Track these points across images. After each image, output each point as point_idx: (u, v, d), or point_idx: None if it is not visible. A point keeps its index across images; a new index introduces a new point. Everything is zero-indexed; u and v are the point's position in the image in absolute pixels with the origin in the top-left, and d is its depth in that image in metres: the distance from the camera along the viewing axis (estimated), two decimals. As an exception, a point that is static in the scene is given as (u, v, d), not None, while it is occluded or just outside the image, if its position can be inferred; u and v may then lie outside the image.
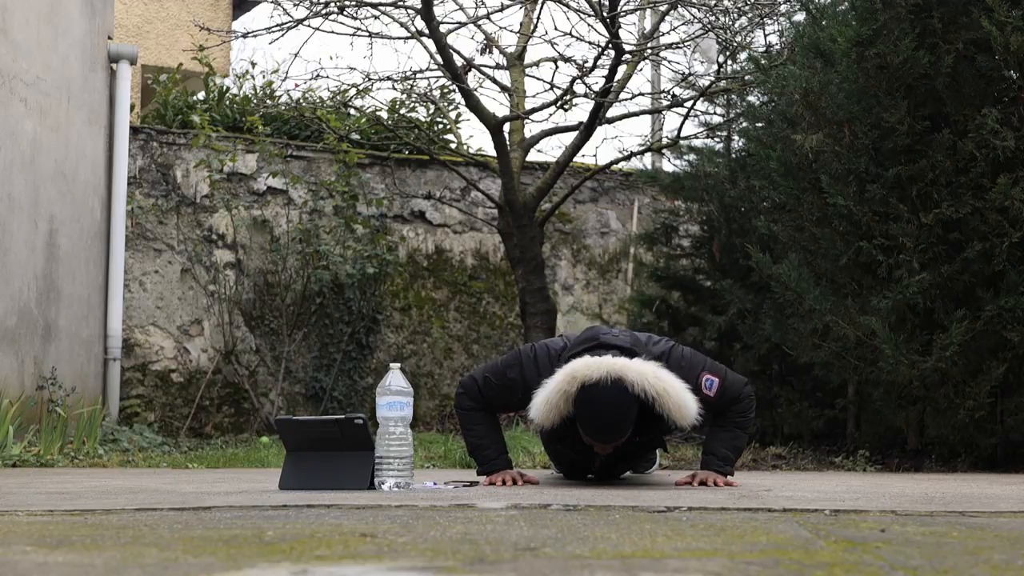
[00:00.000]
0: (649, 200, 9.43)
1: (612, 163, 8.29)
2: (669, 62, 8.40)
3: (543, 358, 3.67)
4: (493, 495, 3.13)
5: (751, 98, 7.77)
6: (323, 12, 7.13)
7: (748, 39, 7.68)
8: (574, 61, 7.30)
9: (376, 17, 7.36)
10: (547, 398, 3.42)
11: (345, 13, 7.23)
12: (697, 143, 8.15)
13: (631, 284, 9.33)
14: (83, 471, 5.26)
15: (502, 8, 7.51)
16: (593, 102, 7.15)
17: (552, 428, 3.55)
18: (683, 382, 3.44)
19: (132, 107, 8.06)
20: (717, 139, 8.17)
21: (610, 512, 2.49)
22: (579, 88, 7.20)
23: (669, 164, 8.96)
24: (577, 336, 3.76)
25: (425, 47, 7.35)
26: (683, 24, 7.72)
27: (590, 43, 7.16)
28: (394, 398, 3.40)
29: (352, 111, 8.51)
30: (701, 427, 3.80)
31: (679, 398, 3.39)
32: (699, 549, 1.79)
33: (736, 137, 8.05)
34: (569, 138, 7.74)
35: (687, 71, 7.73)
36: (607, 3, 6.62)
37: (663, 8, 7.36)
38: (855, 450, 6.38)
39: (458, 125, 8.70)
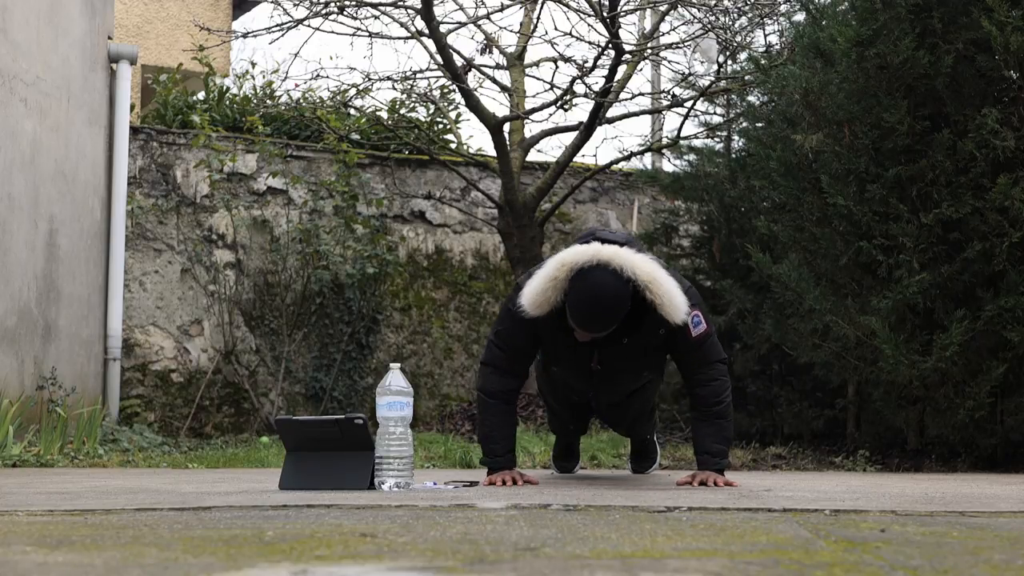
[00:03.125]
0: (649, 200, 9.43)
1: (612, 163, 8.30)
2: (669, 62, 8.41)
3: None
4: (493, 495, 3.13)
5: (751, 98, 7.78)
6: (323, 12, 7.14)
7: (748, 39, 7.69)
8: (574, 61, 7.30)
9: (376, 17, 7.37)
10: (537, 285, 3.43)
11: (345, 13, 7.24)
12: (697, 143, 8.15)
13: (631, 284, 9.31)
14: (83, 471, 5.26)
15: (502, 8, 7.52)
16: (593, 102, 7.15)
17: (546, 342, 3.54)
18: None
19: (132, 107, 8.06)
20: (717, 139, 8.18)
21: (610, 512, 2.49)
22: (579, 88, 7.21)
23: (669, 164, 8.97)
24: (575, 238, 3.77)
25: (425, 47, 7.36)
26: (683, 24, 7.74)
27: (590, 43, 7.17)
28: (394, 398, 3.40)
29: (352, 111, 8.51)
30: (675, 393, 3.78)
31: (669, 288, 3.39)
32: (699, 549, 1.79)
33: (736, 137, 8.05)
34: (569, 138, 7.75)
35: (687, 71, 7.74)
36: (607, 3, 6.62)
37: (663, 8, 7.37)
38: (855, 450, 6.38)
39: (458, 125, 8.70)
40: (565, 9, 7.28)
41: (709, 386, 3.68)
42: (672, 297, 3.40)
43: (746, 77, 7.47)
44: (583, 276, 3.36)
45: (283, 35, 7.47)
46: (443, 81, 8.12)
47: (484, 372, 3.85)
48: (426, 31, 6.99)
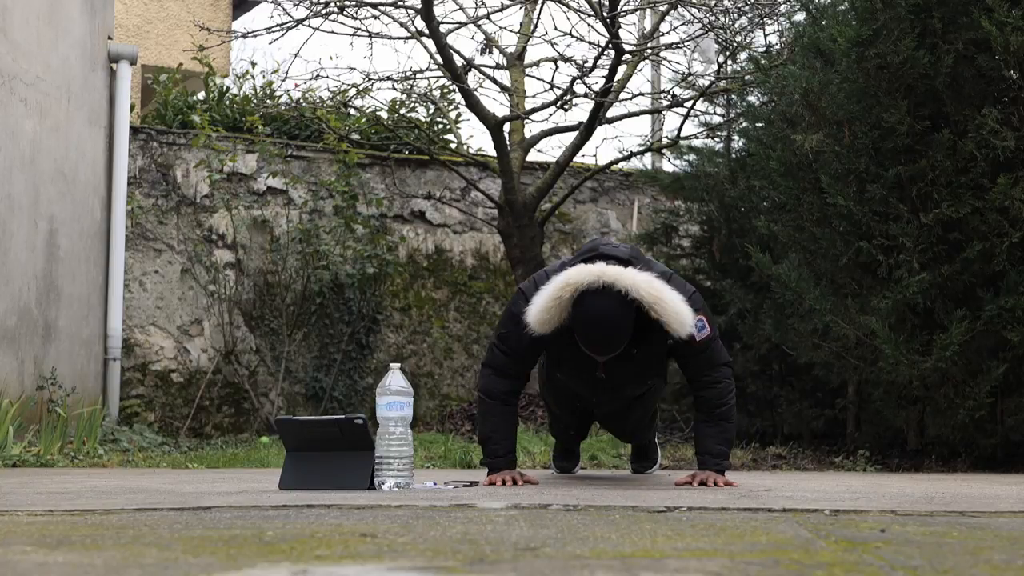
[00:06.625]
0: (649, 200, 9.43)
1: (612, 163, 8.29)
2: (669, 62, 8.41)
3: (542, 280, 3.63)
4: (493, 495, 3.13)
5: (751, 98, 7.77)
6: (323, 12, 7.14)
7: (748, 39, 7.68)
8: (574, 61, 7.30)
9: (376, 17, 7.37)
10: (542, 305, 3.43)
11: (345, 13, 7.23)
12: (697, 143, 8.15)
13: (631, 284, 9.31)
14: (83, 471, 5.26)
15: (502, 8, 7.52)
16: (593, 102, 7.15)
17: (551, 349, 3.54)
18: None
19: (132, 107, 8.06)
20: (717, 139, 8.17)
21: (610, 512, 2.49)
22: (579, 88, 7.20)
23: (669, 164, 8.96)
24: (578, 251, 3.75)
25: (425, 47, 7.35)
26: (683, 24, 7.73)
27: (590, 43, 7.17)
28: (394, 398, 3.40)
29: (352, 111, 8.51)
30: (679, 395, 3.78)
31: (675, 306, 3.40)
32: (699, 549, 1.79)
33: (736, 137, 8.04)
34: (569, 138, 7.75)
35: (687, 71, 7.73)
36: (607, 3, 6.62)
37: (663, 8, 7.37)
38: (855, 450, 6.38)
39: (458, 125, 8.70)
40: (565, 9, 7.29)
41: (714, 388, 3.69)
42: (677, 314, 3.40)
43: (746, 77, 7.47)
44: (587, 300, 3.35)
45: (283, 35, 7.47)
46: (443, 81, 8.11)
47: (485, 373, 3.84)
48: (426, 31, 6.99)
